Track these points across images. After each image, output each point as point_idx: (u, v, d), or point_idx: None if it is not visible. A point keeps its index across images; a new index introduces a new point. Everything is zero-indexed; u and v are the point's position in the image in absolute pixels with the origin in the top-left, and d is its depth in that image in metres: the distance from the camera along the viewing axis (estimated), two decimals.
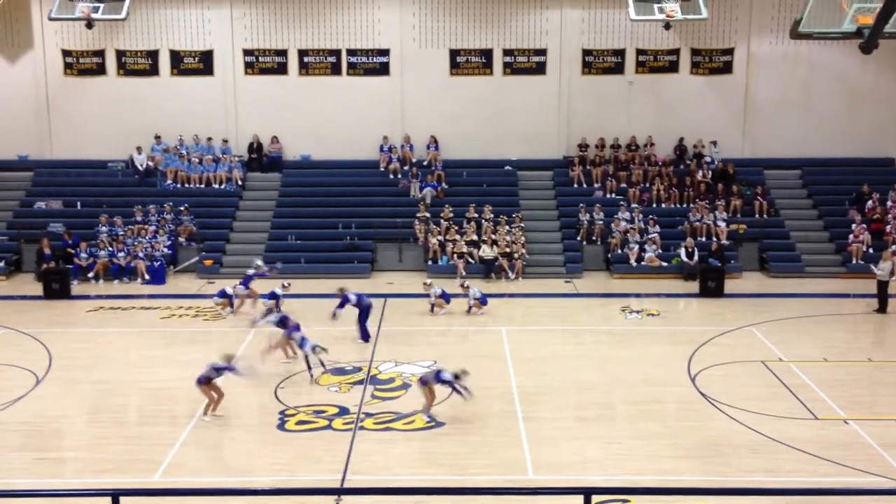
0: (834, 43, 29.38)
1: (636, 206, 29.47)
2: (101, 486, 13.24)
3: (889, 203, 29.34)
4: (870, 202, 29.35)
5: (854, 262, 27.57)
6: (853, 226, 28.43)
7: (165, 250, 27.80)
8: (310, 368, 18.04)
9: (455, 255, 27.52)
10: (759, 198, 29.71)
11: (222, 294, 23.14)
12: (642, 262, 27.62)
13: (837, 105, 31.34)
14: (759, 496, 12.42)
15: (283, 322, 19.24)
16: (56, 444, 15.44)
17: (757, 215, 29.51)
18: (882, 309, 23.27)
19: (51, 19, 26.97)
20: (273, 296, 22.24)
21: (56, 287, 25.02)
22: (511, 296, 25.63)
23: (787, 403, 16.79)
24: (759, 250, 28.67)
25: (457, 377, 16.00)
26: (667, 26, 27.82)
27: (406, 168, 31.02)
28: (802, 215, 30.08)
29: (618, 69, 31.36)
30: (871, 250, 27.62)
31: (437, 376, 16.09)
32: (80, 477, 13.96)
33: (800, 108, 31.41)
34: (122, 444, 15.10)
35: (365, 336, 20.57)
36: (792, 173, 31.53)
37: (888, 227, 28.50)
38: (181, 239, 28.52)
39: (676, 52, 31.24)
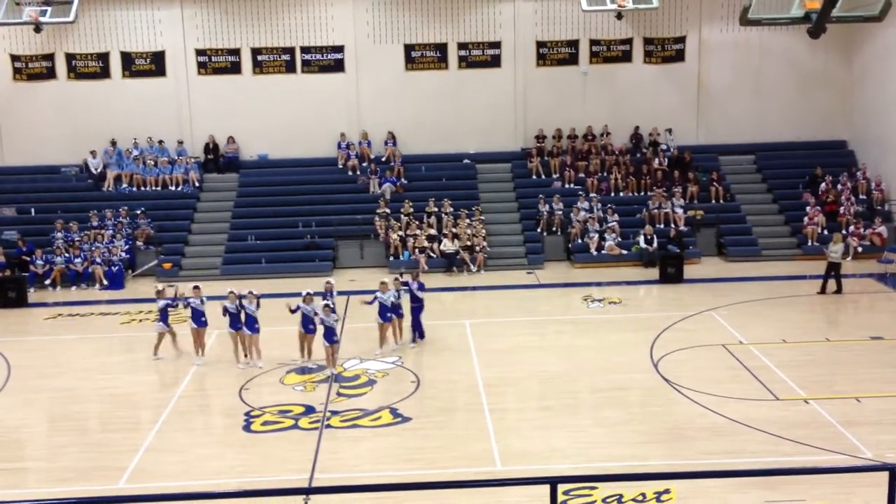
0: (783, 28, 29.84)
1: (594, 195, 29.65)
2: (64, 494, 13.12)
3: (841, 185, 29.81)
4: (823, 184, 29.80)
5: (809, 244, 27.99)
6: (807, 208, 28.86)
7: (123, 255, 27.45)
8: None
9: (416, 250, 27.52)
10: (714, 183, 30.05)
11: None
12: (602, 251, 27.82)
13: (789, 89, 31.76)
14: (723, 478, 12.70)
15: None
16: (17, 454, 15.20)
17: (713, 201, 29.84)
18: (838, 289, 23.61)
19: None
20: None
21: (12, 295, 24.61)
22: (473, 289, 25.68)
23: (749, 385, 17.01)
24: (717, 235, 29.01)
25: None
26: (619, 16, 28.08)
27: (364, 164, 30.94)
28: (758, 199, 30.48)
29: (572, 60, 31.52)
30: (825, 232, 28.05)
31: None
32: (42, 486, 13.75)
33: (752, 93, 31.80)
34: (84, 451, 14.91)
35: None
36: (746, 158, 31.92)
37: (841, 209, 28.96)
38: (139, 243, 28.19)
39: (629, 41, 31.46)
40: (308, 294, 18.73)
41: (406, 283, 20.03)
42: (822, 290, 23.62)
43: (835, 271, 23.67)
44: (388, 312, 19.26)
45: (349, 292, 24.54)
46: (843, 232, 27.93)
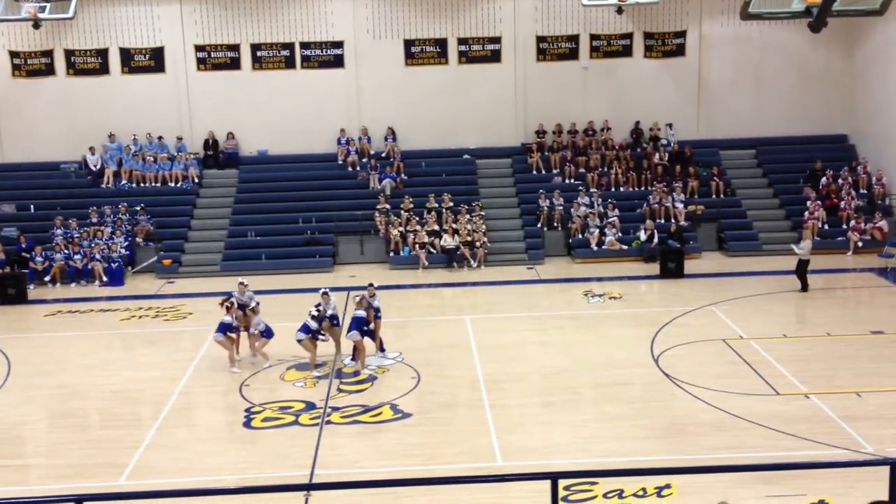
0: (784, 23, 29.78)
1: (595, 190, 29.62)
2: (65, 491, 13.10)
3: (841, 180, 29.76)
4: (824, 179, 29.75)
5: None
6: (808, 203, 28.82)
7: (123, 251, 27.43)
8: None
9: (416, 246, 27.50)
10: (715, 178, 30.00)
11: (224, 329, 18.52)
12: (603, 246, 27.79)
13: (789, 84, 31.69)
14: (724, 473, 12.69)
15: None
16: (18, 451, 15.21)
17: (714, 196, 29.81)
18: (804, 288, 23.27)
19: None
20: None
21: (12, 292, 24.60)
22: (474, 284, 25.65)
23: (749, 380, 17.00)
24: (717, 230, 28.97)
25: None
26: (619, 11, 28.05)
27: (364, 160, 30.90)
28: (758, 194, 30.43)
29: (572, 55, 31.45)
30: (826, 227, 28.06)
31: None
32: (43, 483, 13.77)
33: (752, 88, 31.74)
34: (85, 448, 14.91)
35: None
36: (747, 153, 31.88)
37: (842, 203, 28.93)
38: (138, 239, 28.16)
39: (629, 36, 31.39)
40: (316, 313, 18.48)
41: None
42: (803, 289, 23.33)
43: (801, 269, 23.48)
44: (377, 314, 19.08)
45: (349, 288, 24.54)
46: (845, 227, 27.96)
